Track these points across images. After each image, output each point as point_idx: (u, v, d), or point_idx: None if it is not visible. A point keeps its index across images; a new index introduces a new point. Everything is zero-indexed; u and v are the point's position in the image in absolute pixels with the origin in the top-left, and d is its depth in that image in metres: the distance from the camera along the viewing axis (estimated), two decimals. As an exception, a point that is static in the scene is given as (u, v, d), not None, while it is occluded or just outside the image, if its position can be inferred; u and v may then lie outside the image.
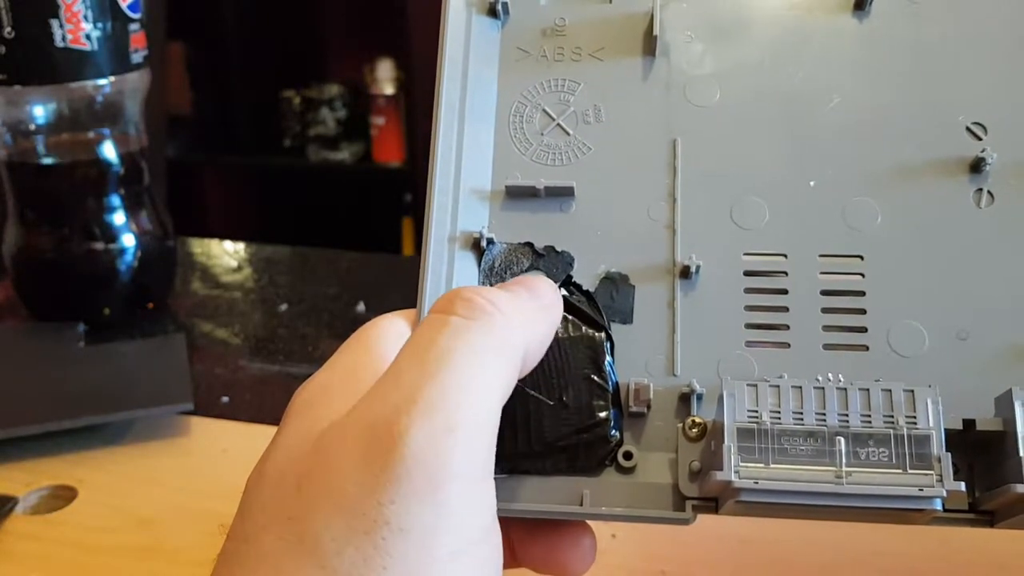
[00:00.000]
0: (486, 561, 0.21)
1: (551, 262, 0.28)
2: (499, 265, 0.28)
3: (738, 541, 0.40)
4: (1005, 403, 0.25)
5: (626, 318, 0.28)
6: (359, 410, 0.21)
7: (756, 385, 0.24)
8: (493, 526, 0.21)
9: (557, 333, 0.27)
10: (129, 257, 0.61)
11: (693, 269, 0.28)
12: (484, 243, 0.28)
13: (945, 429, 0.24)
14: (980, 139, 0.28)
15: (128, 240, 0.61)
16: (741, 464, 0.23)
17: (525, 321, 0.23)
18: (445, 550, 0.20)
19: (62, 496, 0.44)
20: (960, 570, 0.38)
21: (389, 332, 0.26)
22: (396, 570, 0.19)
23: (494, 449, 0.21)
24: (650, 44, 0.30)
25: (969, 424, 0.25)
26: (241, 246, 0.78)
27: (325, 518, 0.20)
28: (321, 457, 0.20)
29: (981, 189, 0.28)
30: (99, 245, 0.60)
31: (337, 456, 0.20)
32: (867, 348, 0.27)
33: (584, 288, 0.28)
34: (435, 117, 0.29)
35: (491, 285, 0.28)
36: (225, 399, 0.54)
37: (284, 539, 0.20)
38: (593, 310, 0.27)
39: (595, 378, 0.26)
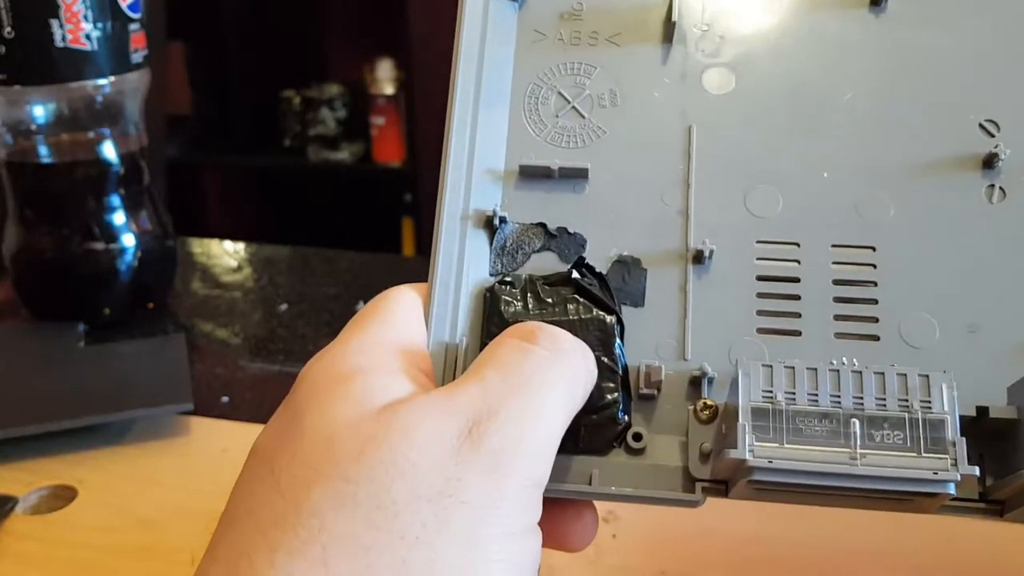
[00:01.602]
0: (529, 553, 0.22)
1: (563, 243, 0.28)
2: (511, 245, 0.28)
3: (739, 541, 0.40)
4: (1019, 392, 0.25)
5: (637, 301, 0.28)
6: (443, 399, 0.22)
7: (771, 366, 0.24)
8: (537, 530, 0.23)
9: (569, 315, 0.27)
10: (129, 257, 0.61)
11: (706, 254, 0.28)
12: (497, 222, 0.28)
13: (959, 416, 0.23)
14: (993, 136, 0.29)
15: (128, 240, 0.61)
16: (756, 443, 0.23)
17: (587, 369, 0.25)
18: (498, 529, 0.21)
19: (62, 496, 0.44)
20: (964, 569, 0.38)
21: (403, 304, 0.27)
22: (452, 537, 0.20)
23: (551, 468, 0.23)
24: (668, 31, 0.31)
25: (982, 411, 0.25)
26: (241, 246, 0.78)
27: (389, 482, 0.21)
28: (392, 429, 0.22)
29: (993, 185, 0.28)
30: (99, 245, 0.60)
31: (415, 432, 0.21)
32: (878, 338, 0.27)
33: (596, 270, 0.28)
34: (451, 96, 0.29)
35: (502, 264, 0.28)
36: (225, 399, 0.54)
37: (336, 496, 0.21)
38: (604, 293, 0.27)
39: (605, 360, 0.26)
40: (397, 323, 0.26)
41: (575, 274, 0.28)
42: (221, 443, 0.48)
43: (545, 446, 0.23)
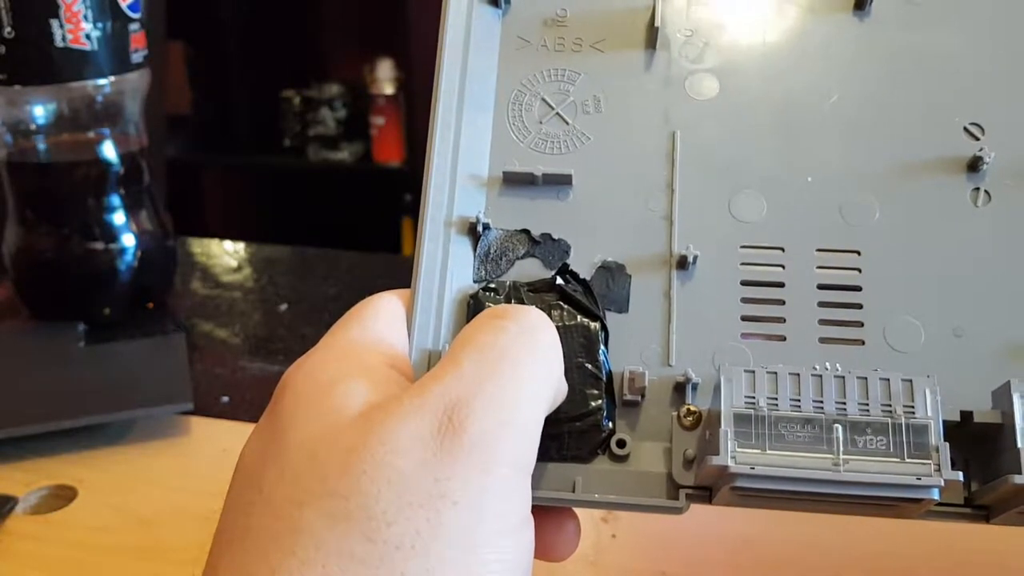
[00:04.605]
0: (524, 550, 0.22)
1: (547, 250, 0.28)
2: (495, 251, 0.28)
3: (739, 542, 0.40)
4: (1003, 395, 0.25)
5: (622, 307, 0.28)
6: (415, 395, 0.22)
7: (754, 371, 0.24)
8: (529, 519, 0.22)
9: (553, 321, 0.26)
10: (129, 257, 0.61)
11: (690, 260, 0.28)
12: (480, 228, 0.28)
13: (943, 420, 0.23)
14: (978, 139, 0.29)
15: (128, 240, 0.61)
16: (738, 449, 0.23)
17: (557, 344, 0.24)
18: (493, 527, 0.21)
19: (62, 496, 0.44)
20: (960, 571, 0.38)
21: (383, 310, 0.26)
22: (448, 542, 0.20)
23: (536, 450, 0.23)
24: (651, 37, 0.31)
25: (966, 416, 0.25)
26: (241, 246, 0.78)
27: (377, 492, 0.20)
28: (371, 435, 0.21)
29: (978, 188, 0.28)
30: (99, 245, 0.60)
31: (392, 435, 0.21)
32: (863, 343, 0.27)
33: (580, 277, 0.28)
34: (434, 103, 0.29)
35: (486, 271, 0.28)
36: (225, 399, 0.54)
37: (328, 514, 0.20)
38: (588, 299, 0.27)
39: (589, 367, 0.26)
40: (377, 329, 0.26)
41: (559, 280, 0.28)
42: (221, 443, 0.48)
43: (528, 428, 0.22)
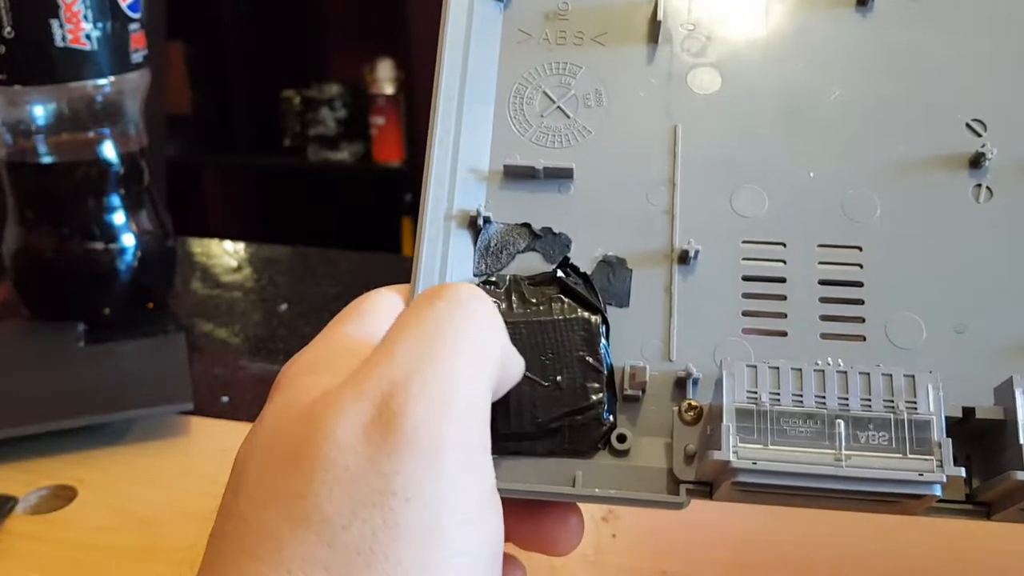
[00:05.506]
0: (491, 533, 0.21)
1: (548, 243, 0.28)
2: (495, 245, 0.28)
3: (740, 541, 0.40)
4: (1005, 392, 0.25)
5: (622, 302, 0.28)
6: (352, 384, 0.21)
7: (756, 366, 0.24)
8: (493, 499, 0.22)
9: (554, 314, 0.27)
10: (129, 257, 0.61)
11: (691, 254, 0.27)
12: (481, 222, 0.28)
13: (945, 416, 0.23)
14: (980, 135, 0.29)
15: (128, 240, 0.61)
16: (740, 444, 0.23)
17: (492, 313, 0.24)
18: (451, 519, 0.20)
19: (62, 496, 0.44)
20: (961, 570, 0.38)
21: (381, 306, 0.26)
22: (407, 540, 0.19)
23: (488, 425, 0.22)
24: (653, 31, 0.31)
25: (969, 412, 0.25)
26: (241, 246, 0.78)
27: (328, 492, 0.20)
28: (315, 430, 0.20)
29: (980, 184, 0.28)
30: (99, 245, 0.60)
31: (332, 429, 0.20)
32: (864, 338, 0.27)
33: (581, 270, 0.28)
34: (435, 96, 0.29)
35: (487, 265, 0.28)
36: (225, 399, 0.54)
37: (287, 517, 0.20)
38: (589, 292, 0.27)
39: (590, 360, 0.26)
40: (374, 325, 0.25)
41: (560, 273, 0.27)
42: (221, 443, 0.48)
43: (471, 404, 0.21)
